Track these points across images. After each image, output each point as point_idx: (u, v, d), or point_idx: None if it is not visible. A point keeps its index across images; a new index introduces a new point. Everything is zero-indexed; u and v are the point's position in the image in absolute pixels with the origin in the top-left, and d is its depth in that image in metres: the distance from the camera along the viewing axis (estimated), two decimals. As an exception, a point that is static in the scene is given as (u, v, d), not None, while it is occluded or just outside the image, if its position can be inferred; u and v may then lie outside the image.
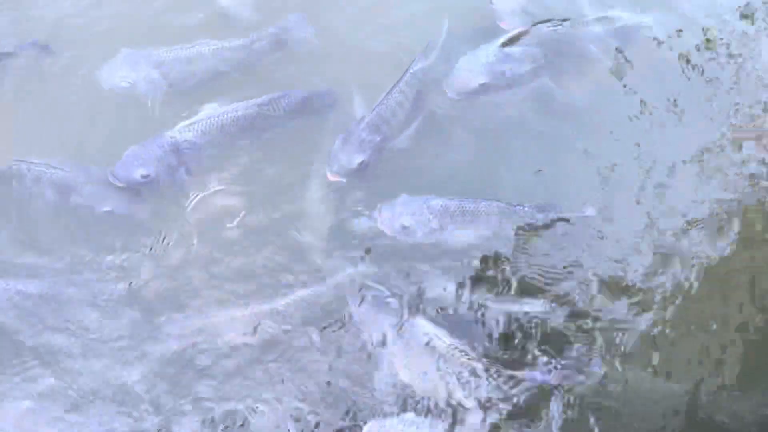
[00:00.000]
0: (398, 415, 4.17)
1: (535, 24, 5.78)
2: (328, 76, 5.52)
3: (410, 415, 4.17)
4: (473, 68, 5.38)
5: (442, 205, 4.84)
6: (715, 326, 4.69)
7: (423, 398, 4.25)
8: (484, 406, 4.22)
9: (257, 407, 4.27)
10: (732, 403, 4.46)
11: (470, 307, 4.62)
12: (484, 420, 4.21)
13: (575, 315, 4.62)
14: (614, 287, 4.76)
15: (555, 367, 4.36)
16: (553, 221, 4.94)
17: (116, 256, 4.72)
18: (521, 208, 4.92)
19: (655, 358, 4.54)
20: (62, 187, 4.84)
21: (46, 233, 4.81)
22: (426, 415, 4.19)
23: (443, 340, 4.36)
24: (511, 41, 5.57)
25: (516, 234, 4.89)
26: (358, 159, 4.93)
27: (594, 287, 4.74)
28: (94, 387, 4.30)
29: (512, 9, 5.99)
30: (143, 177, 4.82)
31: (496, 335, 4.51)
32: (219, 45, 5.51)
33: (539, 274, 4.78)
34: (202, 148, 5.03)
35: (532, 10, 5.96)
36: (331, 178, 4.91)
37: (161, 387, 4.31)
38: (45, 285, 4.55)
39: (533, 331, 4.52)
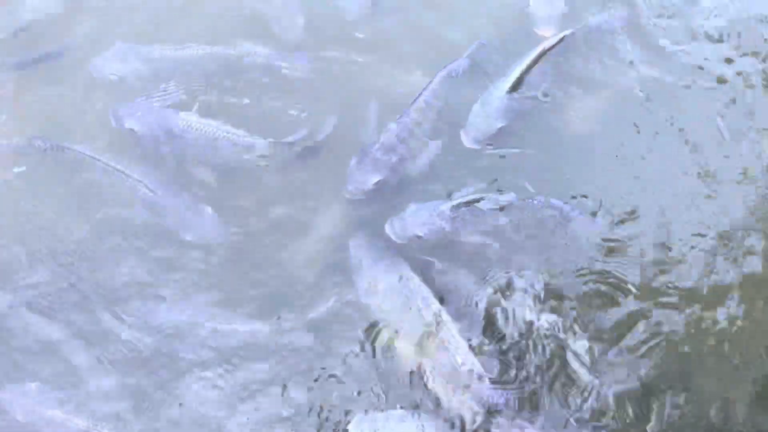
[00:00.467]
0: (385, 410, 4.37)
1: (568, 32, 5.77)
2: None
3: (398, 411, 4.35)
4: (489, 114, 5.42)
5: (452, 208, 4.95)
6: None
7: (411, 392, 4.44)
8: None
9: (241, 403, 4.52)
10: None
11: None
12: (472, 414, 4.36)
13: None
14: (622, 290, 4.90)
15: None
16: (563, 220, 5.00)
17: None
18: (531, 201, 5.01)
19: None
20: (152, 208, 5.16)
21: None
22: (414, 410, 4.36)
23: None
24: (525, 73, 5.58)
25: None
26: (374, 179, 5.09)
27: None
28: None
29: (549, 15, 6.00)
30: (129, 128, 5.29)
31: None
32: (210, 50, 5.69)
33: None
34: (188, 146, 5.29)
35: (571, 16, 5.97)
36: (348, 197, 5.11)
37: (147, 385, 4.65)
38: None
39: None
